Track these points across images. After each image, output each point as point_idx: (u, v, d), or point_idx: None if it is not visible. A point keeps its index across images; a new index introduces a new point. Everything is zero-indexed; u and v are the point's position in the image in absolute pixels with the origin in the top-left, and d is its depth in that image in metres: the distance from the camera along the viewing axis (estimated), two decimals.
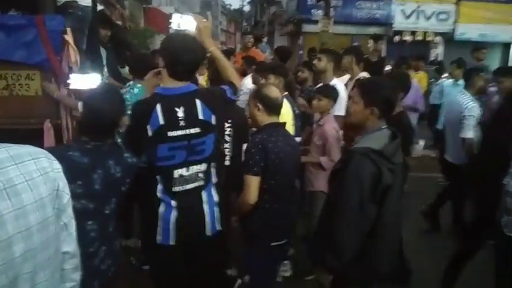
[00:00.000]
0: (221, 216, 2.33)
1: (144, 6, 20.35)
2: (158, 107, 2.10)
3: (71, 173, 1.46)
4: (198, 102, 2.18)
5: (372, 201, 2.00)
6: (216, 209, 2.31)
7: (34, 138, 3.28)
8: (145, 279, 2.61)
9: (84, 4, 3.48)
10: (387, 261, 2.12)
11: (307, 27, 19.07)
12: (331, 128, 3.57)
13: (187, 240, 2.23)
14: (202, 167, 2.23)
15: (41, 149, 1.32)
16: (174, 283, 2.30)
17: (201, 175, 2.24)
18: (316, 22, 14.21)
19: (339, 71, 4.71)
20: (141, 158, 2.19)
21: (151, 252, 2.31)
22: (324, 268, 2.13)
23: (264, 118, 2.56)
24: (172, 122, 2.12)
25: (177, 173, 2.17)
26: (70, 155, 1.90)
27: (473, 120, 4.20)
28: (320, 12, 15.01)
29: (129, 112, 3.32)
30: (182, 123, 2.14)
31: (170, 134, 2.12)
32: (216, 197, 2.33)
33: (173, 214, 2.18)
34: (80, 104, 3.20)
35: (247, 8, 43.75)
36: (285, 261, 3.69)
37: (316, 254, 2.17)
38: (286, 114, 3.36)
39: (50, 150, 1.36)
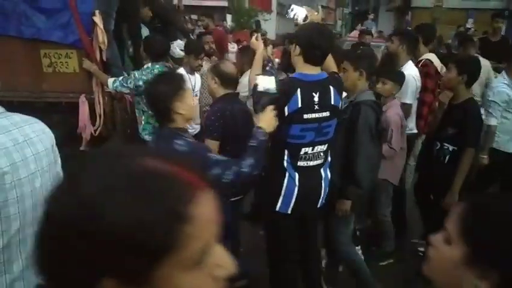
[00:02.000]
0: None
1: None
2: (299, 92, 2.30)
3: None
4: (331, 88, 2.40)
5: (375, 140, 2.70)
6: (328, 186, 2.58)
7: (72, 110, 3.70)
8: None
9: None
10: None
11: (417, 2, 17.73)
12: (395, 114, 3.38)
13: (302, 210, 2.54)
14: (324, 147, 2.49)
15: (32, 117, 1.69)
16: (286, 243, 2.65)
17: (322, 154, 2.49)
18: None
19: (416, 53, 4.36)
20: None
21: (269, 216, 2.62)
22: (345, 197, 2.73)
23: (220, 90, 2.81)
24: (308, 105, 2.32)
25: (304, 150, 2.42)
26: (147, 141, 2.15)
27: (497, 106, 3.70)
28: None
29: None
30: (317, 107, 2.34)
31: (306, 116, 2.33)
32: (330, 175, 2.59)
33: (296, 187, 2.44)
34: (110, 80, 3.51)
35: None
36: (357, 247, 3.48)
37: (341, 187, 2.70)
38: None
39: None
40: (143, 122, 3.59)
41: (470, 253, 0.84)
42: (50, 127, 3.56)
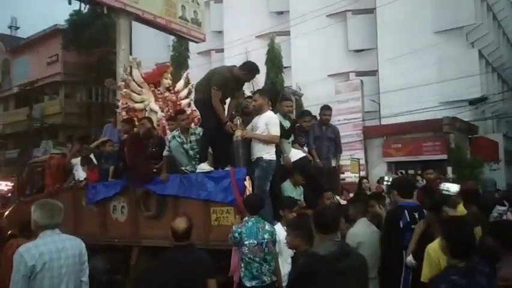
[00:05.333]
0: None
1: (470, 136, 19.91)
2: (406, 212, 3.90)
3: None
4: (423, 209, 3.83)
5: None
6: None
7: (227, 254, 4.48)
8: None
9: (268, 158, 4.61)
10: None
11: None
12: None
13: None
14: None
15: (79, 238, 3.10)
16: None
17: None
18: None
19: None
20: None
21: None
22: None
23: (173, 242, 3.34)
24: (411, 220, 3.87)
25: None
26: None
27: None
28: None
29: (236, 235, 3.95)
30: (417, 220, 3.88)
31: (413, 226, 3.80)
32: None
33: (410, 276, 3.80)
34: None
35: None
36: None
37: None
38: None
39: None
40: (242, 269, 4.00)
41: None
42: (216, 271, 4.39)
